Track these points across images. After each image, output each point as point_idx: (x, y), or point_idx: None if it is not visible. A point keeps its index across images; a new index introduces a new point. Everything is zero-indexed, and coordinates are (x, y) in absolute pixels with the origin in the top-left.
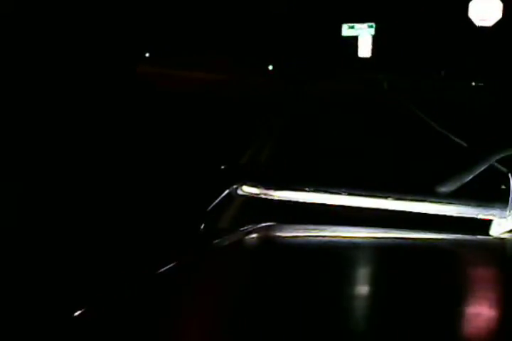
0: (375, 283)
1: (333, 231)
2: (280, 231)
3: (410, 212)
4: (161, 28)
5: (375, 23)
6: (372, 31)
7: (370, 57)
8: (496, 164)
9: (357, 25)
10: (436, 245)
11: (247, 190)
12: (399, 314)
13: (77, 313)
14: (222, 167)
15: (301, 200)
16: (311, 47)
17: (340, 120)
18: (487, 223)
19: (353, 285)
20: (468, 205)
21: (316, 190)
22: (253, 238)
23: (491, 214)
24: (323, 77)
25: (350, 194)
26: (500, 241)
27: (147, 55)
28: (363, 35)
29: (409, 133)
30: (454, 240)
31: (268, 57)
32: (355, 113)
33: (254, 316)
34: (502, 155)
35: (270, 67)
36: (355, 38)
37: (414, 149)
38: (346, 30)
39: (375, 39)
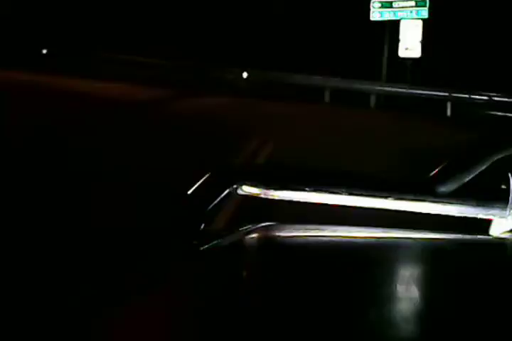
0: (375, 282)
1: (333, 231)
2: (280, 231)
3: (410, 212)
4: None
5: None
6: (424, 12)
7: (420, 59)
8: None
9: (397, 3)
10: (436, 245)
11: (247, 190)
12: (397, 313)
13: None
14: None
15: (301, 200)
16: (319, 42)
17: None
18: (487, 223)
19: (353, 285)
20: (468, 205)
21: (316, 190)
22: (253, 238)
23: (491, 214)
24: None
25: (350, 194)
26: (500, 241)
27: (44, 51)
28: (408, 20)
29: None
30: (454, 240)
31: (247, 60)
32: None
33: (254, 315)
34: (502, 154)
35: (245, 75)
36: (393, 25)
37: None
38: (377, 11)
39: (429, 26)
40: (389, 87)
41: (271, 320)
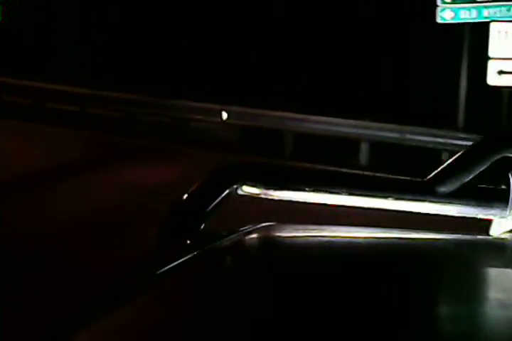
0: (375, 283)
1: (333, 231)
2: (280, 231)
3: (410, 212)
4: None
5: None
6: None
7: None
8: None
9: None
10: (436, 245)
11: (247, 190)
12: (397, 315)
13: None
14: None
15: (301, 200)
16: (349, 62)
17: None
18: (487, 223)
19: (353, 286)
20: (468, 205)
21: (316, 190)
22: (253, 238)
23: (491, 214)
24: None
25: (350, 194)
26: (500, 241)
27: None
28: (504, 23)
29: None
30: (454, 240)
31: (231, 91)
32: None
33: (254, 317)
34: (503, 154)
35: (224, 116)
36: (477, 31)
37: None
38: (448, 9)
39: None
40: (472, 139)
41: (271, 321)
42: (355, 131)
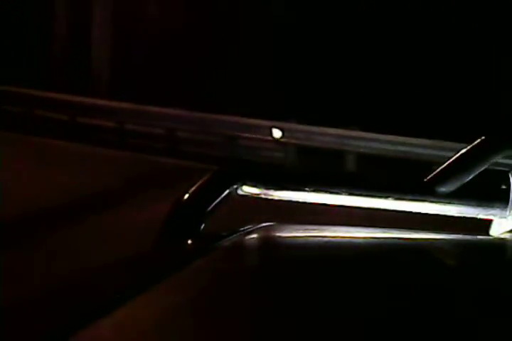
0: (375, 283)
1: (333, 231)
2: (280, 231)
3: (410, 212)
4: None
5: None
6: None
7: None
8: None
9: None
10: (437, 245)
11: (247, 190)
12: (398, 316)
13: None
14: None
15: (301, 200)
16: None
17: None
18: (487, 223)
19: (353, 286)
20: (468, 205)
21: (316, 190)
22: (253, 238)
23: (491, 214)
24: None
25: (350, 194)
26: (500, 241)
27: None
28: None
29: None
30: (454, 240)
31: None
32: None
33: (254, 317)
34: (503, 154)
35: (277, 134)
36: None
37: None
38: None
39: None
40: None
41: (271, 322)
42: (427, 151)
